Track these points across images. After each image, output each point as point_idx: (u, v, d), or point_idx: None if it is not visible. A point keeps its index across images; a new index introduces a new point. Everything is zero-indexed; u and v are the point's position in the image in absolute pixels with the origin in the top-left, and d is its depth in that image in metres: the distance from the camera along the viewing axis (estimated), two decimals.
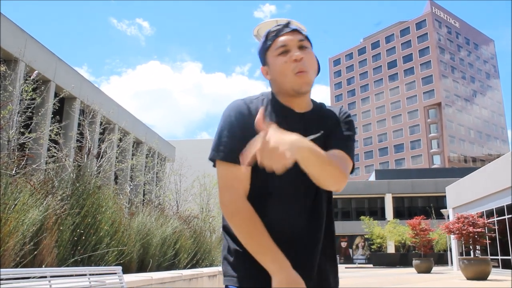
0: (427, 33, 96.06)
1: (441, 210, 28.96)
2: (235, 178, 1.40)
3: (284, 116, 1.47)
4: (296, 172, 1.34)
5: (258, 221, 1.36)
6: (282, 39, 1.46)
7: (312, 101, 1.57)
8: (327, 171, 1.29)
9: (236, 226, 1.37)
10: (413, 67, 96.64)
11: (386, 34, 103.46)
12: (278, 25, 1.49)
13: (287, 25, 1.49)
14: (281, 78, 1.45)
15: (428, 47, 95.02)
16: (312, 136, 1.38)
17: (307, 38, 1.49)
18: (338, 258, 44.21)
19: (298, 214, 1.42)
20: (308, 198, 1.44)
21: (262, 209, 1.39)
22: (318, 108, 1.57)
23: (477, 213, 20.10)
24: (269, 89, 1.56)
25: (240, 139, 1.35)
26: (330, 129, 1.50)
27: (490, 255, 20.32)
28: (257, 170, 1.36)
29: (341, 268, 33.25)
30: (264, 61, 1.52)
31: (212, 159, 1.45)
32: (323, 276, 1.46)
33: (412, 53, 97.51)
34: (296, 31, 1.47)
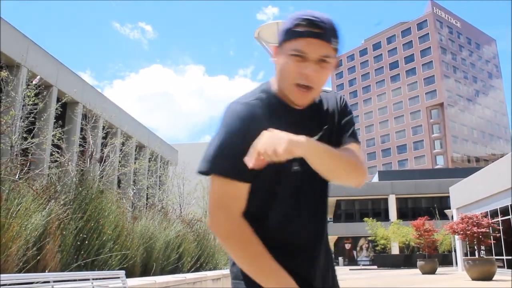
0: (428, 33, 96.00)
1: (445, 211, 28.85)
2: (232, 197, 1.27)
3: (285, 114, 1.36)
4: (302, 174, 1.33)
5: (255, 243, 1.25)
6: (304, 43, 1.26)
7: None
8: (347, 170, 1.28)
9: (232, 250, 1.28)
10: (415, 67, 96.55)
11: (388, 35, 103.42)
12: (313, 19, 1.26)
13: (322, 27, 1.26)
14: (283, 77, 1.33)
15: (430, 47, 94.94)
16: (317, 136, 1.36)
17: (335, 49, 1.31)
18: (342, 259, 44.12)
19: (304, 217, 1.38)
20: (313, 201, 1.40)
21: (266, 213, 1.35)
22: (316, 100, 1.45)
23: (481, 213, 20.02)
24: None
25: (241, 151, 1.20)
26: (332, 120, 1.44)
27: (495, 255, 20.23)
28: (260, 176, 1.31)
29: (345, 270, 33.17)
30: (280, 43, 1.33)
31: (207, 172, 1.29)
32: (329, 276, 1.44)
33: (413, 54, 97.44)
34: (326, 42, 1.26)
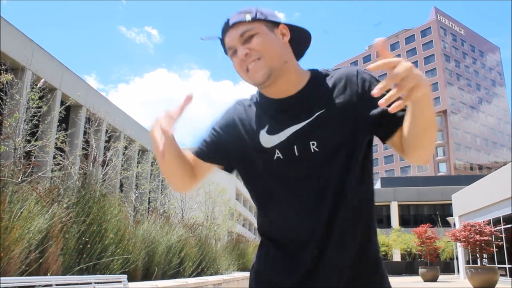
0: (432, 40, 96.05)
1: (447, 218, 28.76)
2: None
3: (268, 106, 1.38)
4: (289, 164, 1.31)
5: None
6: (227, 40, 1.33)
7: (312, 73, 1.40)
8: (433, 137, 1.22)
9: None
10: None
11: (391, 42, 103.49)
12: (224, 24, 1.33)
13: (228, 22, 1.32)
14: (242, 77, 1.34)
15: (433, 54, 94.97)
16: (305, 122, 1.30)
17: (254, 19, 1.30)
18: None
19: (295, 213, 1.31)
20: (309, 195, 1.30)
21: (263, 208, 1.39)
22: (318, 79, 1.37)
23: (483, 221, 19.94)
24: None
25: (209, 136, 1.46)
26: (335, 102, 1.31)
27: (497, 264, 20.13)
28: (262, 169, 1.34)
29: None
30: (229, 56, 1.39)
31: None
32: (345, 276, 1.34)
33: (417, 61, 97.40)
34: (236, 24, 1.30)
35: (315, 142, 1.28)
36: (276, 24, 1.33)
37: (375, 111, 1.29)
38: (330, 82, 1.35)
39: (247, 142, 1.37)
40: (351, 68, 1.38)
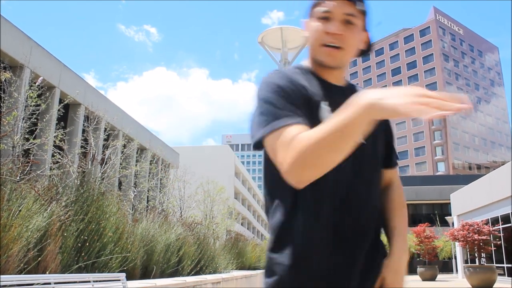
0: (431, 40, 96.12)
1: (446, 218, 28.80)
2: (292, 136, 1.11)
3: (325, 88, 1.32)
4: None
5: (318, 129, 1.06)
6: (329, 3, 1.28)
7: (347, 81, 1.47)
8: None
9: (313, 153, 1.04)
10: (417, 74, 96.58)
11: (390, 41, 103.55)
12: None
13: None
14: (311, 42, 1.33)
15: (432, 54, 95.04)
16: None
17: (362, 12, 1.31)
18: None
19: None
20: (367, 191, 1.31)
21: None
22: (352, 85, 1.46)
23: (482, 221, 19.98)
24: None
25: (288, 103, 1.18)
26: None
27: (496, 263, 20.17)
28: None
29: None
30: (308, 13, 1.37)
31: (259, 140, 1.18)
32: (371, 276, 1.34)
33: (416, 60, 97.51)
34: (349, 1, 1.28)
35: None
36: (365, 29, 1.38)
37: (387, 141, 1.48)
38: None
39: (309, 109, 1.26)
40: None
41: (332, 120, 1.02)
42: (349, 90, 1.37)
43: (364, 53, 1.45)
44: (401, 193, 1.46)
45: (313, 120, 1.20)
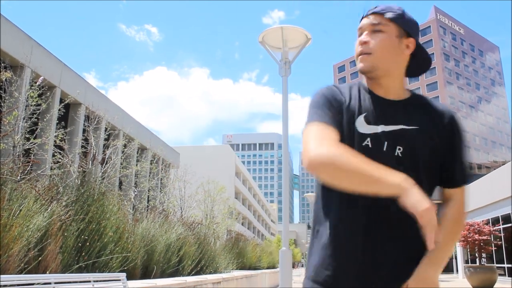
0: (431, 39, 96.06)
1: None
2: (328, 135, 1.33)
3: (371, 101, 1.46)
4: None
5: (360, 156, 1.25)
6: (363, 21, 1.50)
7: (412, 92, 1.54)
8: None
9: (340, 170, 1.22)
10: None
11: None
12: (372, 7, 1.51)
13: (375, 7, 1.49)
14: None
15: (433, 53, 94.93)
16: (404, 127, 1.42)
17: (392, 20, 1.45)
18: None
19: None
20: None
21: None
22: (418, 99, 1.52)
23: (482, 221, 19.97)
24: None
25: (334, 112, 1.40)
26: (434, 131, 1.44)
27: (496, 263, 20.16)
28: None
29: None
30: None
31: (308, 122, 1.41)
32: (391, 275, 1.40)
33: None
34: (375, 14, 1.47)
35: (401, 148, 1.39)
36: (406, 33, 1.46)
37: (447, 160, 1.45)
38: (431, 108, 1.49)
39: (345, 118, 1.44)
40: (453, 111, 1.51)
41: (374, 167, 1.20)
42: (403, 103, 1.48)
43: (420, 63, 1.54)
44: (458, 209, 1.44)
45: (348, 126, 1.40)
